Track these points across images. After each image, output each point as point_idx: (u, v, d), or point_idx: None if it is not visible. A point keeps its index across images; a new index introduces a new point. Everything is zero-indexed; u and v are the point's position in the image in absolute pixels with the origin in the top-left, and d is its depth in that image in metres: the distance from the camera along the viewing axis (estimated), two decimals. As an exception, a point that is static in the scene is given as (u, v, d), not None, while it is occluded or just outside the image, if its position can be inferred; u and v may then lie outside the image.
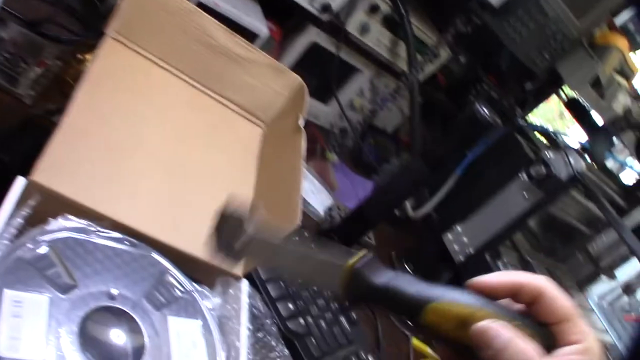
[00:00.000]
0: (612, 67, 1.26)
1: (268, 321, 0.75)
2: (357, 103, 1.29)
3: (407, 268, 1.21)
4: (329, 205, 1.09)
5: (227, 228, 0.48)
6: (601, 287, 1.41)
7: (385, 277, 0.44)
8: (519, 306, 0.43)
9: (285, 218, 0.69)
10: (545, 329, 0.42)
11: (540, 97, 1.56)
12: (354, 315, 0.90)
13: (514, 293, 0.43)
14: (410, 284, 0.43)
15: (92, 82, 0.69)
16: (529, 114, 1.61)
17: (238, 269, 0.71)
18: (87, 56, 0.86)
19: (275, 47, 1.15)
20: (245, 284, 0.70)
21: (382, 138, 1.38)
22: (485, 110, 0.84)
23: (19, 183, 0.57)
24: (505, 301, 0.43)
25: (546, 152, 1.02)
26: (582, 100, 1.36)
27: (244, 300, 0.68)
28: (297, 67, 1.17)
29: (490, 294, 0.43)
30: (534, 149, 1.09)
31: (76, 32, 0.91)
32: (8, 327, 0.49)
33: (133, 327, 0.58)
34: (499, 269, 1.09)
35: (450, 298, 0.42)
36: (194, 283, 0.66)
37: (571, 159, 0.99)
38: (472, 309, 0.41)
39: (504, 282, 0.43)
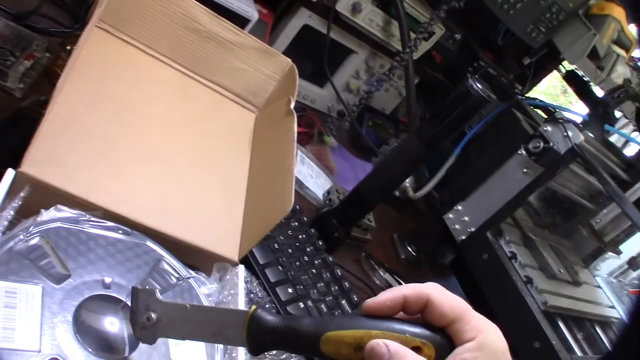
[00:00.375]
0: (609, 38, 1.25)
1: (267, 306, 0.74)
2: (353, 85, 1.29)
3: (410, 250, 1.20)
4: (327, 188, 1.09)
5: (140, 303, 0.49)
6: (609, 264, 1.40)
7: (281, 319, 0.46)
8: (415, 317, 0.44)
9: (280, 201, 0.69)
10: (439, 334, 0.43)
11: (539, 72, 1.55)
12: (354, 297, 0.89)
13: (404, 306, 0.44)
14: (304, 320, 0.45)
15: (78, 71, 0.68)
16: (530, 90, 1.60)
17: (234, 254, 0.71)
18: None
19: (268, 31, 1.14)
20: (241, 269, 0.70)
21: (381, 119, 1.38)
22: (478, 86, 0.83)
23: (8, 175, 0.57)
24: (401, 315, 0.45)
25: (544, 126, 1.00)
26: (581, 72, 1.35)
27: (241, 285, 0.68)
28: (291, 51, 1.16)
29: (383, 313, 0.44)
30: (532, 124, 1.08)
31: (64, 24, 0.91)
32: (2, 317, 0.49)
33: (128, 315, 0.58)
34: (500, 247, 1.08)
35: (343, 325, 0.44)
36: (190, 270, 0.66)
37: (569, 132, 0.98)
38: (365, 330, 0.43)
39: (391, 298, 0.44)
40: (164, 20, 0.77)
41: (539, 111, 1.19)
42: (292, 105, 0.78)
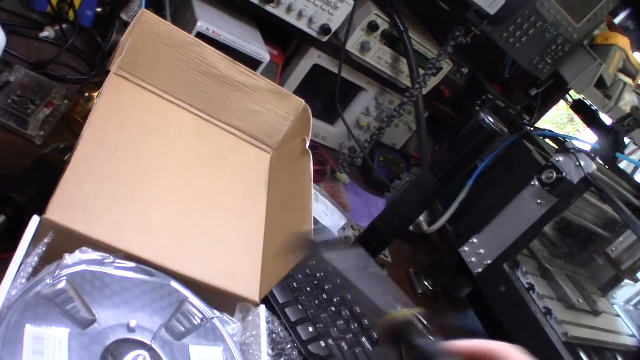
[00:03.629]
0: (615, 67, 1.26)
1: (289, 346, 0.74)
2: (363, 122, 1.30)
3: (426, 284, 1.20)
4: (342, 225, 1.09)
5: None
6: (625, 291, 1.39)
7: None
8: None
9: (299, 240, 0.69)
10: None
11: (546, 102, 1.56)
12: (375, 335, 0.89)
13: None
14: None
15: (99, 118, 0.70)
16: (538, 120, 1.62)
17: (255, 295, 0.71)
18: (95, 94, 0.88)
19: (279, 72, 1.16)
20: (263, 310, 0.70)
21: (392, 155, 1.39)
22: (490, 119, 0.85)
23: (34, 222, 0.58)
24: None
25: (556, 156, 1.01)
26: (588, 102, 1.36)
27: (263, 325, 0.68)
28: (302, 90, 1.18)
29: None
30: (544, 154, 1.09)
31: (81, 72, 0.93)
32: (30, 364, 0.49)
33: (154, 358, 0.58)
34: (518, 279, 1.08)
35: None
36: (214, 310, 0.66)
37: (582, 162, 0.98)
38: None
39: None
40: (181, 66, 0.79)
41: (549, 141, 1.20)
42: (307, 145, 0.79)
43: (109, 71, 0.73)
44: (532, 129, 1.27)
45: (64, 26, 0.96)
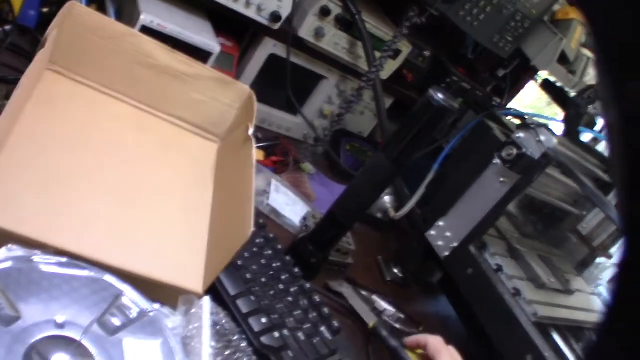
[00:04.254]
0: (577, 41, 1.25)
1: (236, 337, 0.72)
2: (327, 111, 1.28)
3: (396, 271, 1.18)
4: (304, 215, 1.08)
5: None
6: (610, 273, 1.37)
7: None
8: None
9: (240, 228, 0.68)
10: None
11: (516, 83, 1.55)
12: (335, 323, 0.87)
13: None
14: None
15: (29, 113, 0.68)
16: (509, 102, 1.60)
17: (198, 286, 0.69)
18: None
19: (234, 64, 1.14)
20: (206, 301, 0.68)
21: (359, 143, 1.37)
22: (439, 95, 0.83)
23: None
24: None
25: (516, 133, 1.00)
26: (554, 79, 1.34)
27: (206, 317, 0.66)
28: (261, 81, 1.16)
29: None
30: (506, 132, 1.07)
31: (22, 71, 0.91)
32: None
33: (83, 355, 0.56)
34: (485, 260, 1.06)
35: None
36: (153, 304, 0.65)
37: (542, 137, 0.97)
38: None
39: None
40: (116, 58, 0.77)
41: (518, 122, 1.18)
42: (251, 132, 0.77)
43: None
44: (497, 108, 1.25)
45: (7, 27, 0.94)
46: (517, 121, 1.17)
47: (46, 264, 0.59)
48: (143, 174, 0.75)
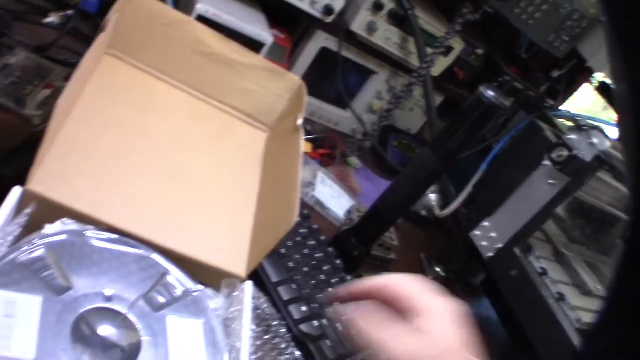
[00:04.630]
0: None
1: (276, 323, 0.74)
2: (376, 106, 1.28)
3: (438, 270, 1.17)
4: (348, 208, 1.08)
5: None
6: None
7: None
8: None
9: (285, 216, 0.69)
10: None
11: (571, 85, 1.51)
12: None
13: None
14: None
15: (88, 95, 0.71)
16: (562, 104, 1.56)
17: (241, 270, 0.71)
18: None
19: (286, 55, 1.16)
20: (249, 285, 0.70)
21: (407, 139, 1.37)
22: (490, 93, 0.82)
23: (15, 192, 0.59)
24: None
25: (568, 134, 0.98)
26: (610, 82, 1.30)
27: (247, 301, 0.68)
28: (312, 74, 1.17)
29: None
30: (557, 133, 1.05)
31: (82, 54, 0.94)
32: (0, 326, 0.50)
33: (128, 327, 0.58)
34: (530, 263, 1.04)
35: None
36: (197, 285, 0.66)
37: (594, 139, 0.94)
38: None
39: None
40: (173, 44, 0.79)
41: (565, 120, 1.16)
42: (300, 123, 0.78)
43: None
44: (549, 109, 1.22)
45: (69, 12, 0.98)
46: (570, 123, 1.15)
47: (98, 239, 0.62)
48: (194, 158, 0.77)
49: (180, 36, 0.79)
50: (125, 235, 0.64)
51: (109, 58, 0.77)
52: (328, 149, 1.20)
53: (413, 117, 1.36)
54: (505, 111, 0.83)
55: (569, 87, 1.51)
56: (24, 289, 0.54)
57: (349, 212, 1.06)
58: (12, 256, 0.55)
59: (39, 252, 0.57)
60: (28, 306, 0.54)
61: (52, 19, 0.98)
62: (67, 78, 0.87)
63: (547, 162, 1.00)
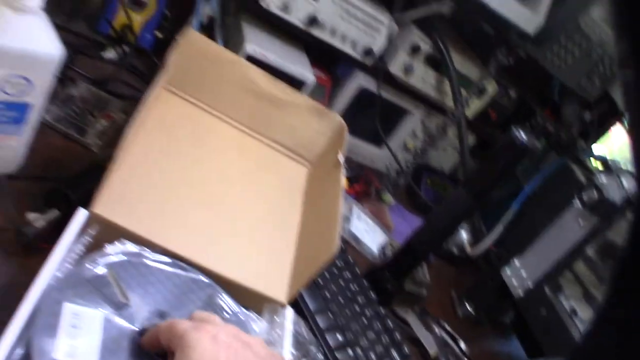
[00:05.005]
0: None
1: (313, 348, 0.77)
2: (410, 144, 1.33)
3: (468, 307, 1.19)
4: (383, 243, 1.12)
5: None
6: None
7: None
8: None
9: (326, 246, 0.73)
10: None
11: (602, 127, 1.53)
12: (406, 349, 0.90)
13: None
14: None
15: (147, 127, 0.76)
16: (594, 147, 1.59)
17: (283, 297, 0.74)
18: (149, 110, 0.95)
19: (327, 94, 1.21)
20: (290, 311, 0.73)
21: (439, 178, 1.40)
22: (523, 135, 0.86)
23: (81, 214, 0.64)
24: None
25: (598, 176, 1.00)
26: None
27: (288, 326, 0.71)
28: (349, 113, 1.22)
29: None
30: (587, 174, 1.08)
31: (138, 88, 1.01)
32: (66, 335, 0.55)
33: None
34: (560, 303, 1.06)
35: None
36: (242, 307, 0.70)
37: (624, 181, 0.97)
38: None
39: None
40: (225, 82, 0.85)
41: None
42: (341, 159, 0.83)
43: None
44: (580, 151, 1.25)
45: (125, 48, 1.05)
46: (600, 165, 1.17)
47: (153, 260, 0.66)
48: (240, 188, 0.82)
49: (232, 75, 0.85)
50: (177, 259, 0.68)
51: (167, 94, 0.83)
52: (363, 185, 1.24)
53: (446, 156, 1.40)
54: (536, 153, 0.87)
55: (600, 130, 1.53)
56: (88, 303, 0.59)
57: (382, 247, 1.10)
58: (77, 272, 0.60)
59: (101, 270, 0.62)
60: (91, 319, 0.58)
61: (110, 53, 1.05)
62: (123, 110, 0.94)
63: (577, 203, 1.03)
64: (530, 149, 0.85)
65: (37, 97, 0.71)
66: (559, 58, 1.14)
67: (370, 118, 1.26)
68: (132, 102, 0.96)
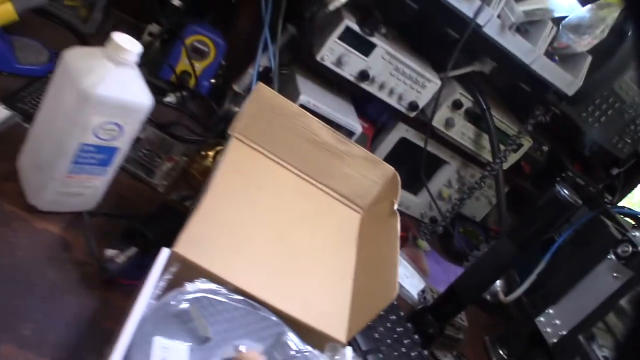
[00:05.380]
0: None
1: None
2: (445, 193, 1.38)
3: (501, 353, 1.23)
4: (422, 288, 1.16)
5: None
6: None
7: None
8: None
9: (385, 290, 0.77)
10: None
11: (629, 182, 1.59)
12: (450, 389, 0.94)
13: None
14: None
15: (222, 173, 0.82)
16: (621, 200, 1.63)
17: (343, 336, 0.79)
18: (209, 153, 1.01)
19: (369, 142, 1.27)
20: (349, 350, 0.77)
21: (471, 227, 1.45)
22: (565, 192, 0.91)
23: (164, 253, 0.70)
24: None
25: (632, 231, 1.05)
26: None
27: (348, 363, 0.76)
28: (388, 161, 1.28)
29: None
30: (621, 229, 1.12)
31: (198, 133, 1.07)
32: (159, 366, 0.59)
33: (255, 378, 0.67)
34: (593, 351, 1.09)
35: None
36: (306, 345, 0.75)
37: (657, 238, 1.02)
38: None
39: None
40: (288, 132, 0.91)
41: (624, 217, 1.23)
42: (396, 207, 0.88)
43: (225, 133, 0.86)
44: (610, 206, 1.30)
45: (184, 93, 1.12)
46: (630, 220, 1.22)
47: (228, 298, 0.71)
48: (301, 231, 0.87)
49: (294, 125, 0.91)
50: (249, 297, 0.73)
51: (236, 141, 0.89)
52: (401, 231, 1.29)
53: (478, 205, 1.45)
54: (577, 208, 0.92)
55: (627, 184, 1.58)
56: (174, 337, 0.64)
57: (422, 291, 1.14)
58: (163, 308, 0.65)
59: (184, 305, 0.67)
60: (178, 352, 0.63)
61: (170, 98, 1.12)
62: (185, 153, 1.00)
63: (611, 257, 1.07)
64: (573, 205, 0.91)
65: (124, 142, 0.77)
66: (592, 117, 1.20)
67: (406, 166, 1.32)
68: (192, 145, 1.03)
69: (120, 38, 0.70)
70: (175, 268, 0.70)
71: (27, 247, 0.73)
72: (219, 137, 1.06)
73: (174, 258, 0.70)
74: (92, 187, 0.80)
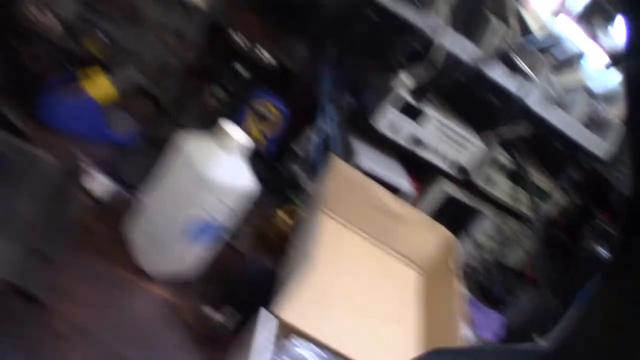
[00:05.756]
0: None
1: None
2: (484, 243, 1.48)
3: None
4: (469, 336, 1.25)
5: None
6: None
7: None
8: None
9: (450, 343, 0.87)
10: None
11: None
12: None
13: None
14: None
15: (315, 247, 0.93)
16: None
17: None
18: (280, 213, 1.12)
19: (414, 199, 1.38)
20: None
21: (507, 273, 1.55)
22: (603, 250, 1.01)
23: (265, 316, 0.80)
24: None
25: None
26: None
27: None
28: (430, 214, 1.38)
29: None
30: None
31: (269, 198, 1.18)
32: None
33: None
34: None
35: None
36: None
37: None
38: None
39: None
40: (358, 201, 1.02)
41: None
42: (454, 269, 0.98)
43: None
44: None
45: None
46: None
47: (318, 356, 0.81)
48: (371, 291, 0.98)
49: (364, 194, 1.02)
50: (334, 353, 0.83)
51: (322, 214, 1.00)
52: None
53: (513, 253, 1.55)
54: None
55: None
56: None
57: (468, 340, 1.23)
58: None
59: (288, 362, 0.77)
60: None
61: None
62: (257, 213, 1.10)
63: None
64: (608, 262, 1.01)
65: (232, 221, 0.87)
66: (623, 175, 1.31)
67: (447, 218, 1.42)
68: (266, 210, 1.13)
69: (230, 129, 0.81)
70: (274, 328, 0.80)
71: (142, 308, 0.83)
72: (283, 197, 1.15)
73: (273, 319, 0.80)
74: (202, 258, 0.89)
